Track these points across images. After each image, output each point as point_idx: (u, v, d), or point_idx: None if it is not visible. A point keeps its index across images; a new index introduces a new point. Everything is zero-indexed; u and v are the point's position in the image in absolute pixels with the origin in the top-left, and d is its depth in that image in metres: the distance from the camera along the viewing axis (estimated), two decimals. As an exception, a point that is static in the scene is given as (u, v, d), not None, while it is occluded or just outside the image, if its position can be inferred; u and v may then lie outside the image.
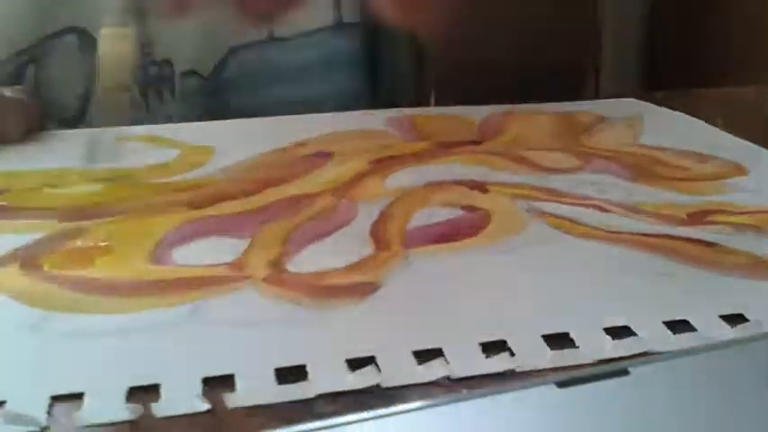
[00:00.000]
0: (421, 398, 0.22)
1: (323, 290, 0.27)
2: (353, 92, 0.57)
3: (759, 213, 0.34)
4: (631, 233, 0.32)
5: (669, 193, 0.37)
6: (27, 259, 0.29)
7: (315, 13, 0.55)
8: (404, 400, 0.22)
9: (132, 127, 0.44)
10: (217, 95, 0.54)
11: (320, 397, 0.22)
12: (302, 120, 0.47)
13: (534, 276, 0.28)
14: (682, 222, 0.33)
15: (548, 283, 0.28)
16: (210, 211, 0.34)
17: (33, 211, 0.34)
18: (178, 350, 0.24)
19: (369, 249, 0.30)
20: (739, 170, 0.40)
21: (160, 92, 0.53)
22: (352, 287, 0.27)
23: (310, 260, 0.29)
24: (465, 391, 0.22)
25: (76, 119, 0.50)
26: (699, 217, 0.34)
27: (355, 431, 0.20)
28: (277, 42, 0.54)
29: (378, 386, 0.22)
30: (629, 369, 0.22)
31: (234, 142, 0.42)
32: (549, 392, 0.21)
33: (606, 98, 0.53)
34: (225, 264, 0.29)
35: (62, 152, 0.40)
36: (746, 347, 0.24)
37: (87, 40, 0.50)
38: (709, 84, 0.62)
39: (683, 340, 0.25)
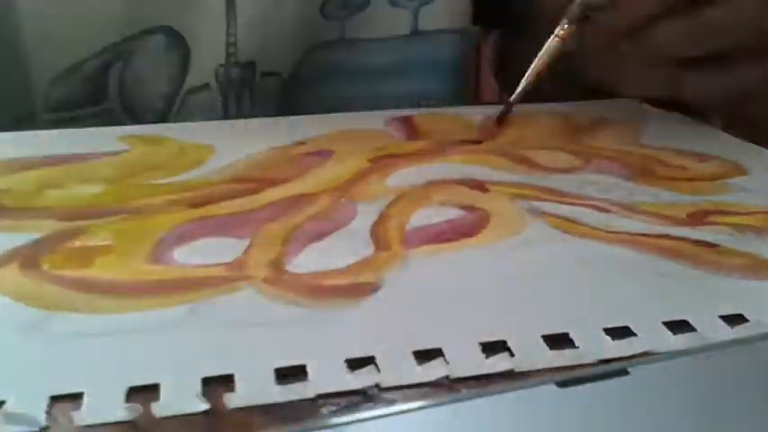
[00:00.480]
0: (421, 398, 0.22)
1: (322, 290, 0.27)
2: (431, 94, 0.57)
3: (759, 214, 0.34)
4: (630, 233, 0.32)
5: (669, 192, 0.37)
6: (26, 259, 0.29)
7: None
8: (404, 400, 0.22)
9: (132, 126, 0.44)
10: (294, 94, 0.54)
11: (320, 397, 0.22)
12: (302, 119, 0.47)
13: (534, 276, 0.28)
14: (682, 222, 0.33)
15: (547, 283, 0.28)
16: (211, 210, 0.34)
17: (33, 210, 0.34)
18: (178, 350, 0.24)
19: (369, 249, 0.30)
20: (739, 170, 0.40)
21: (241, 93, 0.53)
22: (352, 287, 0.27)
23: (310, 261, 0.29)
24: (465, 391, 0.22)
25: (159, 120, 0.51)
26: (699, 217, 0.34)
27: (355, 431, 0.20)
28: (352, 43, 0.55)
29: (378, 386, 0.22)
30: (629, 369, 0.22)
31: (234, 142, 0.42)
32: (548, 392, 0.21)
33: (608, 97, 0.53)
34: (225, 263, 0.29)
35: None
36: (746, 347, 0.24)
37: (174, 39, 0.50)
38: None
39: (683, 340, 0.25)
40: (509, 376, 0.23)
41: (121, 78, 0.50)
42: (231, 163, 0.39)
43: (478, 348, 0.24)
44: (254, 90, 0.53)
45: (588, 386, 0.21)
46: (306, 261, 0.29)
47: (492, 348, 0.24)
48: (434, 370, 0.23)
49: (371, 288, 0.27)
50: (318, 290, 0.27)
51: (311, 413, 0.21)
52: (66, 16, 0.47)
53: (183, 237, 0.31)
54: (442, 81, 0.58)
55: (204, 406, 0.21)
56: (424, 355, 0.23)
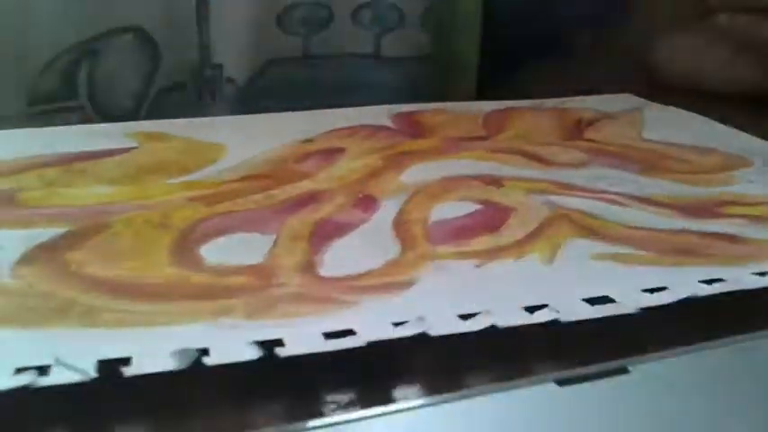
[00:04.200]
0: (421, 396, 0.22)
1: (361, 289, 0.27)
2: None
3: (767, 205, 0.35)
4: (649, 229, 0.32)
5: (679, 185, 0.37)
6: (51, 255, 0.29)
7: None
8: (404, 398, 0.22)
9: (141, 122, 0.44)
10: (250, 103, 0.55)
11: (319, 396, 0.22)
12: (309, 115, 0.47)
13: (572, 261, 0.29)
14: (696, 214, 0.33)
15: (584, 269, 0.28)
16: (229, 207, 0.33)
17: (51, 207, 0.33)
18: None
19: (396, 247, 0.30)
20: (744, 162, 0.40)
21: (213, 93, 0.54)
22: (389, 285, 0.27)
23: (340, 262, 0.29)
24: (466, 390, 0.22)
25: (128, 118, 0.50)
26: (712, 208, 0.34)
27: (355, 430, 0.20)
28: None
29: (377, 385, 0.22)
30: (629, 368, 0.23)
31: (244, 139, 0.42)
32: (549, 391, 0.22)
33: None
34: (253, 265, 0.28)
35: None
36: (746, 347, 0.25)
37: (144, 40, 0.51)
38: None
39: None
40: (509, 375, 0.23)
41: (91, 76, 0.51)
42: (245, 161, 0.39)
43: (521, 308, 0.24)
44: (220, 92, 0.54)
45: (588, 384, 0.22)
46: (335, 262, 0.29)
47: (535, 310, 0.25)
48: (480, 322, 0.23)
49: (407, 284, 0.27)
50: (356, 289, 0.27)
51: (310, 412, 0.21)
52: (37, 14, 0.48)
53: (207, 234, 0.31)
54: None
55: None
56: (469, 317, 0.24)
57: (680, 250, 0.30)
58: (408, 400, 0.21)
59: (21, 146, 0.39)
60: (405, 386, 0.22)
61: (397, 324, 0.23)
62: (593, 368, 0.23)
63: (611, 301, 0.25)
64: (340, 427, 0.20)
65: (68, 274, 0.27)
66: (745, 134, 0.44)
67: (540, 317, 0.24)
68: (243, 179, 0.37)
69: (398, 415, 0.21)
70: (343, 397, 0.22)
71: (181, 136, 0.42)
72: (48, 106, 0.50)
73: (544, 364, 0.23)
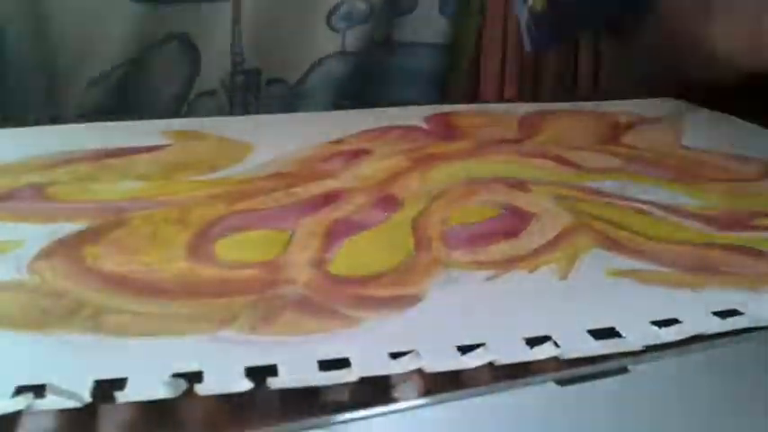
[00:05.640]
0: (421, 396, 0.22)
1: (365, 300, 0.27)
2: None
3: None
4: (673, 241, 0.31)
5: (712, 194, 0.36)
6: (70, 251, 0.29)
7: None
8: (404, 398, 0.22)
9: (176, 120, 0.45)
10: (298, 102, 0.57)
11: (319, 395, 0.22)
12: (341, 115, 0.47)
13: (577, 287, 0.28)
14: (726, 225, 0.32)
15: (589, 291, 0.28)
16: (252, 204, 0.34)
17: (78, 202, 0.34)
18: (220, 347, 0.24)
19: (410, 249, 0.30)
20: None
21: (246, 99, 0.55)
22: (395, 299, 0.27)
23: (352, 260, 0.29)
24: (466, 390, 0.22)
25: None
26: (744, 219, 0.33)
27: (355, 429, 0.20)
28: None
29: (376, 385, 0.22)
30: (629, 367, 0.23)
31: (272, 138, 0.42)
32: (549, 390, 0.22)
33: (607, 96, 0.53)
34: (265, 262, 0.29)
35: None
36: (746, 347, 0.24)
37: (188, 46, 0.53)
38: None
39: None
40: (510, 375, 0.23)
41: (139, 85, 0.53)
42: (272, 159, 0.39)
43: (522, 341, 0.24)
44: (260, 97, 0.56)
45: (588, 384, 0.22)
46: (348, 261, 0.29)
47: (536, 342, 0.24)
48: (479, 358, 0.23)
49: (414, 299, 0.27)
50: (362, 300, 0.27)
51: (310, 411, 0.21)
52: (93, 30, 0.50)
53: (223, 231, 0.31)
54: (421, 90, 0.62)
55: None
56: (466, 349, 0.23)
57: (701, 267, 0.29)
58: (408, 400, 0.21)
59: (56, 142, 0.40)
60: (405, 386, 0.22)
61: (394, 355, 0.23)
62: (593, 368, 0.22)
63: (618, 334, 0.24)
64: (340, 426, 0.20)
65: (83, 271, 0.28)
66: None
67: (541, 353, 0.23)
68: (267, 177, 0.37)
69: (398, 415, 0.21)
70: (343, 397, 0.22)
71: (214, 134, 0.43)
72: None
73: (544, 364, 0.23)
